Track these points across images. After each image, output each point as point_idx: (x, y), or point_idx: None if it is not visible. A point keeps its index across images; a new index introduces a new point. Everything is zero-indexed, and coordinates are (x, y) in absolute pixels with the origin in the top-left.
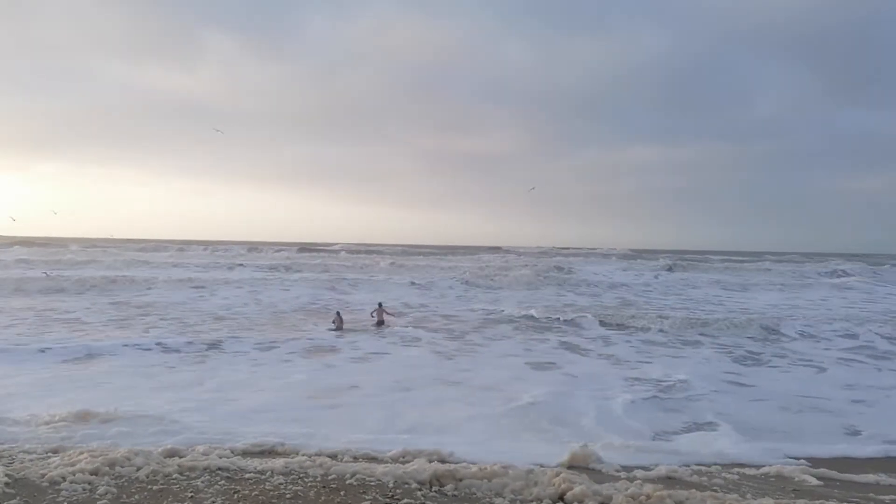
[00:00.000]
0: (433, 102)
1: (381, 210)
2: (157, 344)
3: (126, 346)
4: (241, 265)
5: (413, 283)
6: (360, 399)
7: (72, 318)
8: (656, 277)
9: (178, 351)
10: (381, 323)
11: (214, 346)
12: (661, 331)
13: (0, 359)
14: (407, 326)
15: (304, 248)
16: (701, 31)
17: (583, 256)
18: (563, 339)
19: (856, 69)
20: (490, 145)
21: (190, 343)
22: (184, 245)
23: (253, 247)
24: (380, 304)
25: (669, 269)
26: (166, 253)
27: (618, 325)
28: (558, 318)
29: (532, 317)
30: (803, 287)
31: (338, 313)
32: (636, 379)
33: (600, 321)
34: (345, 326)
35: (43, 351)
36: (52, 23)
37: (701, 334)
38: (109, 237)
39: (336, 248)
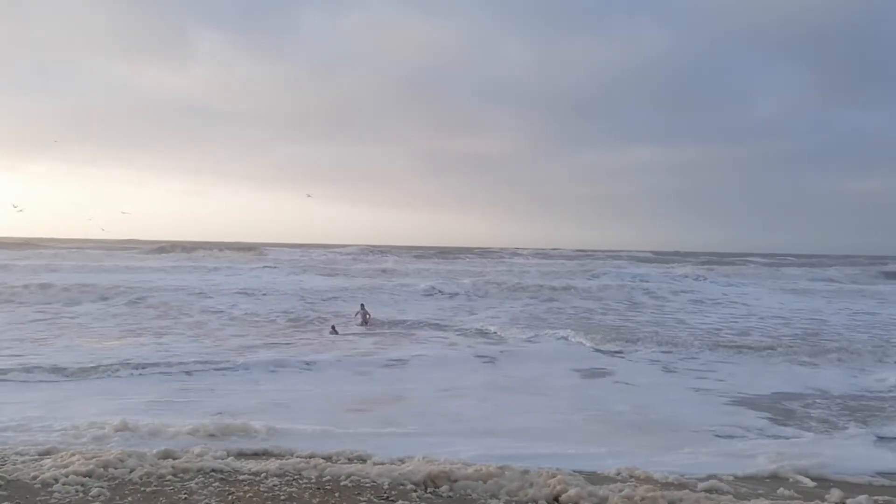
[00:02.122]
0: (431, 102)
1: (378, 211)
2: (177, 357)
3: (147, 354)
4: (245, 266)
5: (431, 291)
6: (414, 407)
7: (78, 325)
8: (697, 279)
9: (201, 363)
10: (366, 322)
11: (237, 355)
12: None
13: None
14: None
15: (306, 248)
16: (702, 31)
17: (597, 259)
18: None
19: (857, 68)
20: (489, 146)
21: (212, 354)
22: (184, 246)
23: (252, 247)
24: (362, 305)
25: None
26: (167, 254)
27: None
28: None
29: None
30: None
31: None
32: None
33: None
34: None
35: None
36: (43, 21)
37: None
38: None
39: (347, 249)
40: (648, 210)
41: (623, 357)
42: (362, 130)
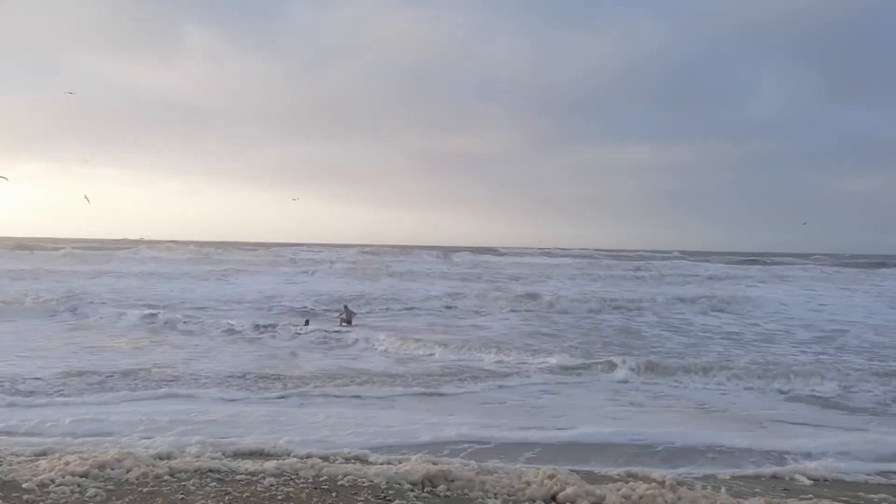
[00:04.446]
0: (426, 100)
1: (374, 210)
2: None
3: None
4: (252, 267)
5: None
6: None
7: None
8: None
9: (246, 376)
10: (348, 321)
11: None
12: None
13: None
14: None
15: (304, 248)
16: (701, 28)
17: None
18: None
19: (857, 66)
20: (485, 144)
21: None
22: (182, 245)
23: (251, 247)
24: (345, 307)
25: None
26: (167, 254)
27: None
28: None
29: None
30: None
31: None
32: None
33: None
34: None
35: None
36: (30, 17)
37: None
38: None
39: (348, 249)
40: (648, 209)
41: None
42: (356, 128)
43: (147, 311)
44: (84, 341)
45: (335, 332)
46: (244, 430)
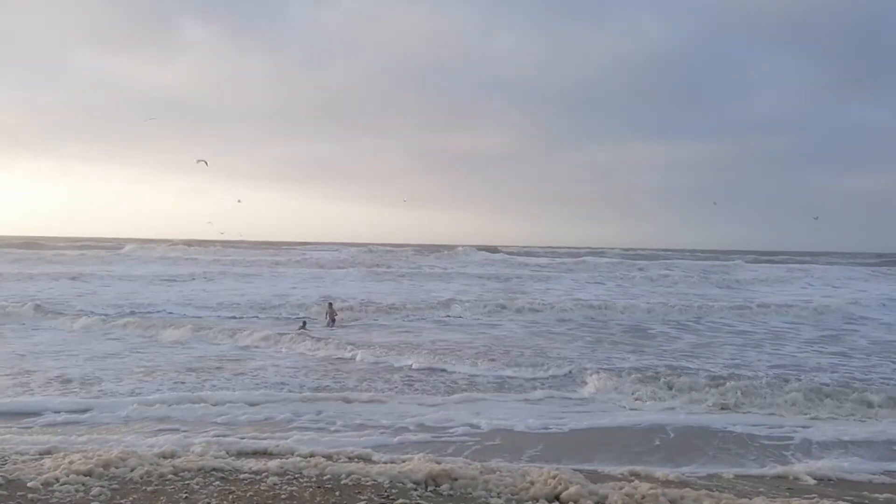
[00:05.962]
0: (429, 97)
1: (375, 209)
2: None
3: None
4: (259, 268)
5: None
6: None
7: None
8: None
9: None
10: (333, 321)
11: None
12: None
13: None
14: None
15: (306, 247)
16: (710, 24)
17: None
18: None
19: (870, 62)
20: (487, 142)
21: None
22: (186, 245)
23: (252, 246)
24: (330, 304)
25: None
26: (172, 254)
27: None
28: None
29: None
30: None
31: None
32: None
33: None
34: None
35: None
36: (28, 14)
37: None
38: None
39: (354, 248)
40: (653, 207)
41: None
42: (358, 126)
43: (172, 313)
44: (126, 339)
45: (332, 333)
46: (335, 415)
